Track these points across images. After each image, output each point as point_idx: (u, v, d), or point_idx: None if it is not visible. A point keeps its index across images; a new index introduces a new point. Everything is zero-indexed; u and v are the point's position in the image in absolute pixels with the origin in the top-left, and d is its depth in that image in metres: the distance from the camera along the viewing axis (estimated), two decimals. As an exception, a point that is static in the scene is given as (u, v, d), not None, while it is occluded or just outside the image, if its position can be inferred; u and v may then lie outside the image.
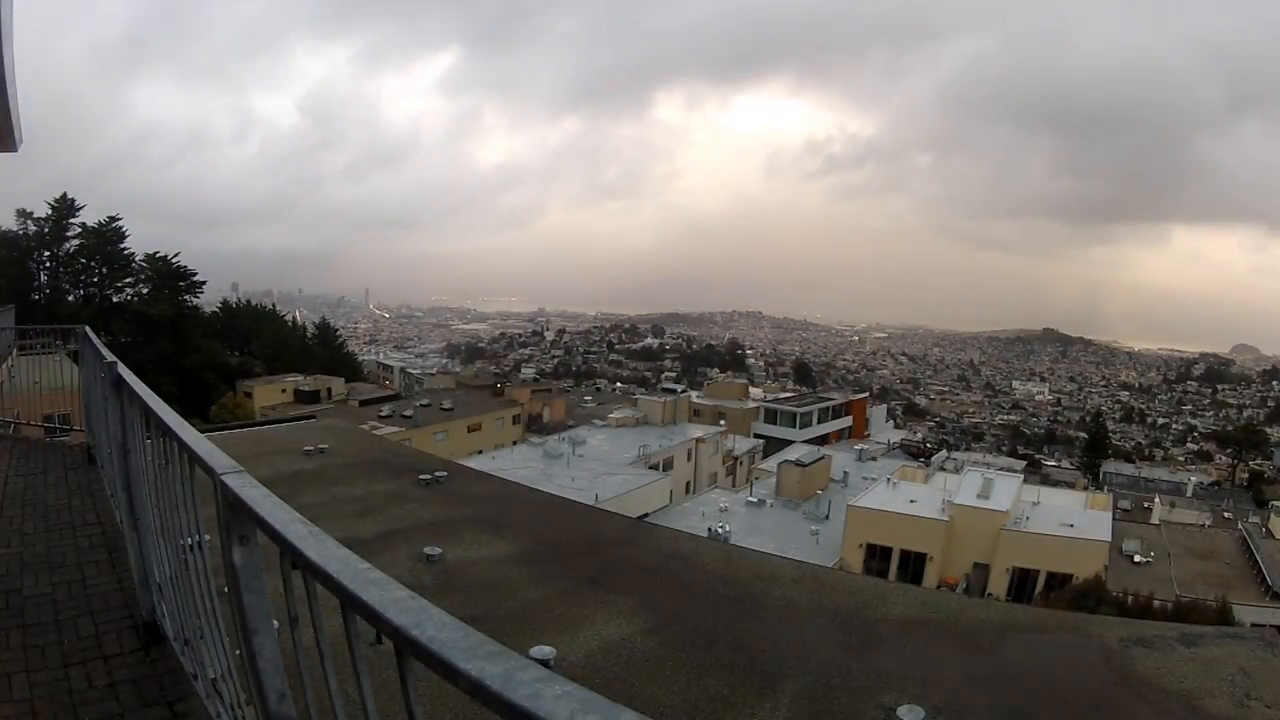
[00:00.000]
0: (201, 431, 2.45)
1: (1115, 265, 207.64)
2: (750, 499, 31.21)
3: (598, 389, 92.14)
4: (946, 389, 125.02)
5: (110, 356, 3.34)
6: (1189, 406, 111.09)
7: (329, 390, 46.13)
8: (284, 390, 45.06)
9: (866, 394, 74.40)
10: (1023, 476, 35.76)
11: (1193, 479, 63.24)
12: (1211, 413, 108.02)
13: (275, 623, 1.54)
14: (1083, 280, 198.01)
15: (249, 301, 65.92)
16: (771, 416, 51.02)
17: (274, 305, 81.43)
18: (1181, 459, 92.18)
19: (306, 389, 45.11)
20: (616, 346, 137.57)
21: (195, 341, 44.28)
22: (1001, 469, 39.07)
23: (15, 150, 8.52)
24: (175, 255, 45.93)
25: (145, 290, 44.71)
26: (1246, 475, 72.95)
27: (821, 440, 47.16)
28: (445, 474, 6.90)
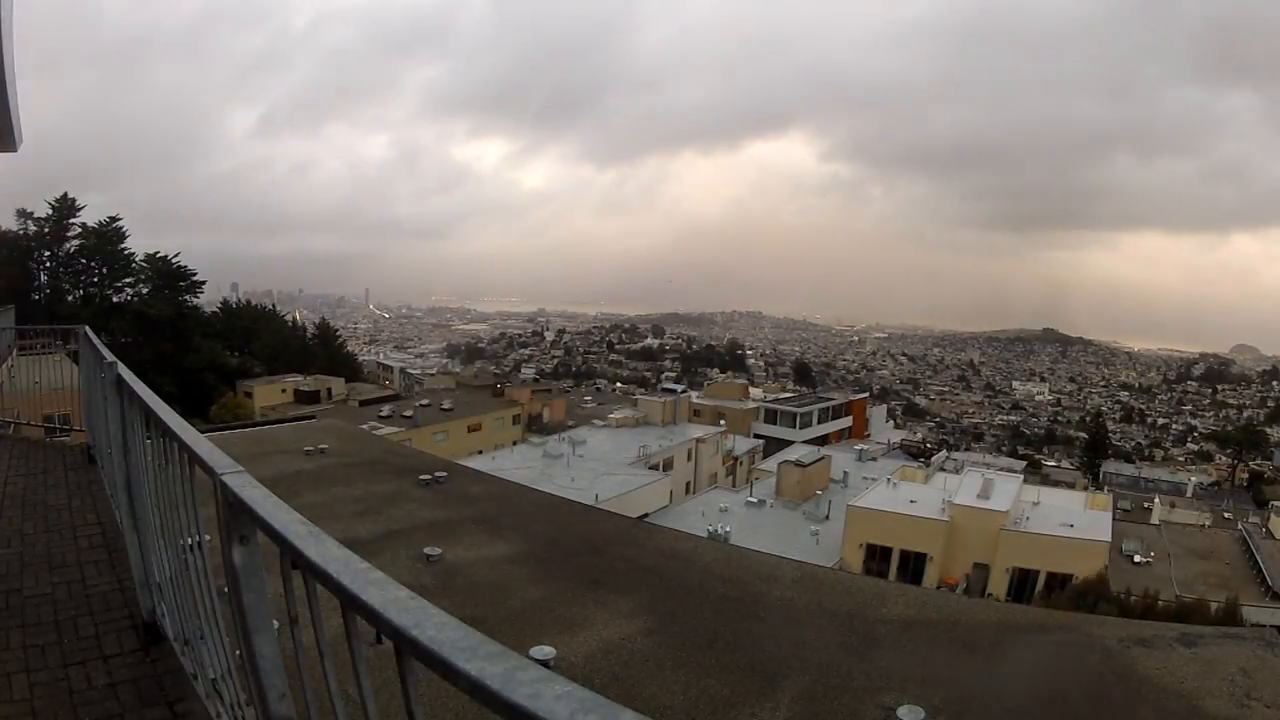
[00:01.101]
0: (201, 431, 2.45)
1: (1115, 265, 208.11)
2: (750, 499, 31.20)
3: (598, 389, 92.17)
4: (946, 389, 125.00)
5: (110, 357, 3.34)
6: (1189, 407, 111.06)
7: (329, 390, 46.12)
8: (284, 390, 45.05)
9: (866, 394, 74.42)
10: (1023, 477, 35.76)
11: (1193, 479, 63.26)
12: (1211, 413, 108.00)
13: (275, 623, 1.54)
14: (1083, 281, 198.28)
15: (249, 301, 65.92)
16: (771, 417, 51.01)
17: (274, 305, 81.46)
18: (1181, 459, 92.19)
19: (306, 389, 45.11)
20: (616, 346, 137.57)
21: (195, 341, 44.26)
22: (1001, 469, 39.08)
23: (15, 150, 8.52)
24: (176, 255, 46.00)
25: (145, 290, 44.70)
26: (1246, 475, 73.01)
27: (821, 440, 47.15)
28: (445, 474, 6.90)
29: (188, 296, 46.52)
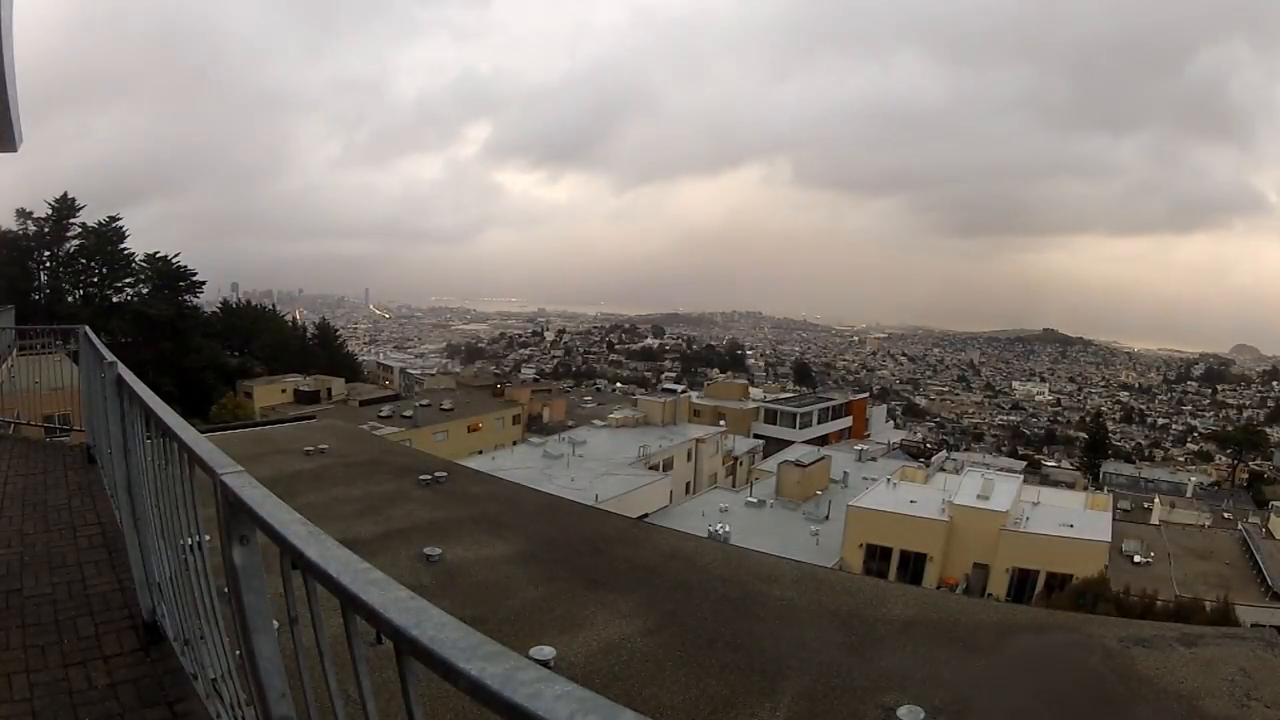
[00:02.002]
0: (202, 431, 2.45)
1: (1115, 265, 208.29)
2: (750, 499, 31.20)
3: (598, 389, 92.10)
4: (946, 389, 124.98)
5: (110, 357, 3.34)
6: (1189, 407, 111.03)
7: (329, 390, 46.11)
8: (284, 390, 45.04)
9: (866, 394, 74.42)
10: (1023, 477, 35.74)
11: (1193, 479, 63.23)
12: (1211, 413, 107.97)
13: (275, 623, 1.54)
14: (1083, 281, 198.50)
15: (249, 301, 65.92)
16: (771, 417, 51.01)
17: (274, 305, 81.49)
18: (1181, 459, 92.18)
19: (306, 389, 45.10)
20: (616, 346, 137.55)
21: (195, 341, 44.27)
22: (1001, 469, 39.06)
23: (15, 150, 8.51)
24: (176, 255, 46.01)
25: (145, 290, 44.72)
26: (1246, 475, 73.05)
27: (821, 440, 47.14)
28: (445, 474, 6.91)
29: (188, 296, 46.54)
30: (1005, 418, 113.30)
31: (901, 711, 3.15)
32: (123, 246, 44.46)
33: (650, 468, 34.28)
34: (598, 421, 43.93)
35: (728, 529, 25.10)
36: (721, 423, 46.65)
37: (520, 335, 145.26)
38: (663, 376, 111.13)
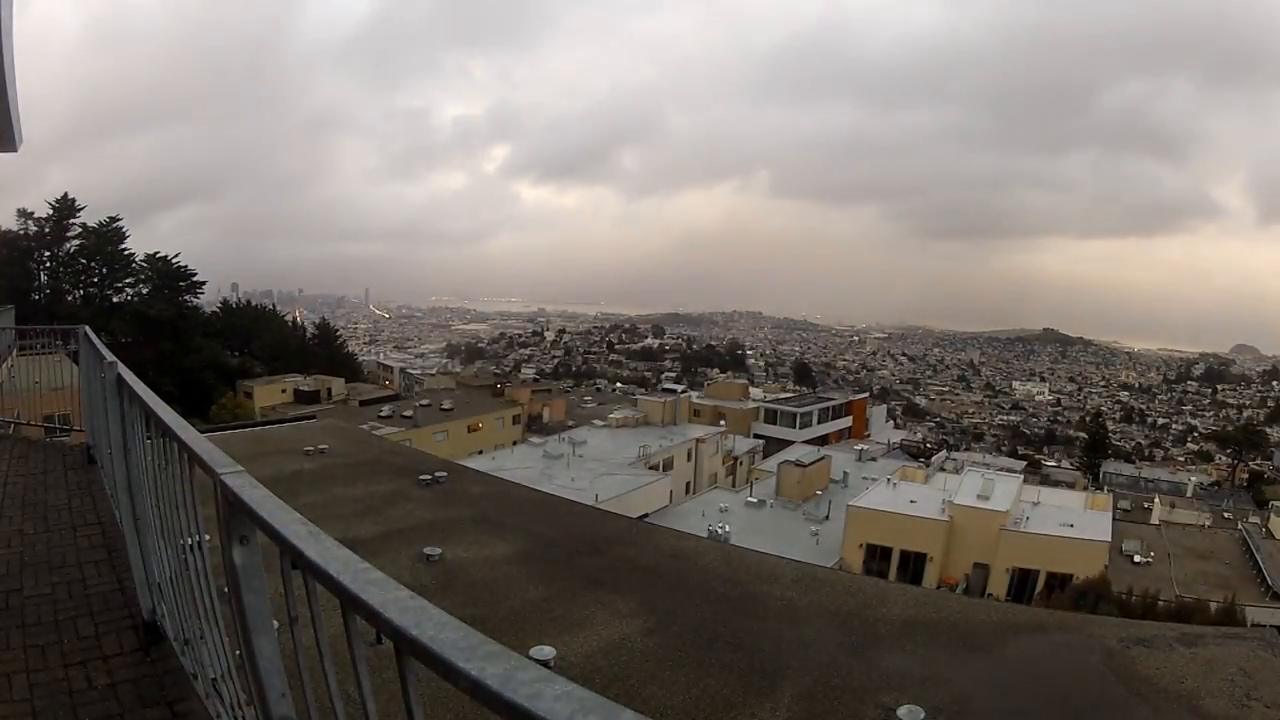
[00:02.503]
0: (202, 431, 2.45)
1: (1114, 265, 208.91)
2: (750, 499, 31.20)
3: (598, 389, 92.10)
4: (946, 389, 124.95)
5: (110, 357, 3.34)
6: (1189, 407, 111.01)
7: (329, 390, 46.10)
8: (284, 390, 45.03)
9: (866, 394, 74.43)
10: (1023, 477, 35.74)
11: (1193, 479, 63.16)
12: (1211, 413, 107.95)
13: (275, 623, 1.54)
14: (1083, 280, 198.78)
15: (249, 301, 65.93)
16: (771, 417, 51.00)
17: (274, 305, 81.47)
18: (1181, 459, 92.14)
19: (306, 389, 45.09)
20: (616, 346, 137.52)
21: (195, 341, 44.28)
22: (1001, 469, 39.05)
23: (15, 150, 8.52)
24: (176, 255, 46.01)
25: (145, 290, 44.75)
26: (1246, 475, 73.03)
27: (821, 440, 47.14)
28: (445, 474, 6.91)
29: (188, 296, 46.55)
30: (1005, 418, 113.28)
31: (901, 711, 3.15)
32: (123, 247, 44.48)
33: (650, 468, 34.28)
34: (598, 421, 43.92)
35: (728, 529, 25.10)
36: (721, 423, 46.66)
37: (520, 335, 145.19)
38: (663, 376, 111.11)
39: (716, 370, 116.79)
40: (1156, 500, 43.12)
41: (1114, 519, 29.36)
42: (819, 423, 51.26)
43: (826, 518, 28.64)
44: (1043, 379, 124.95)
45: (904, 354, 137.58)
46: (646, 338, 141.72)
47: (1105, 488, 47.79)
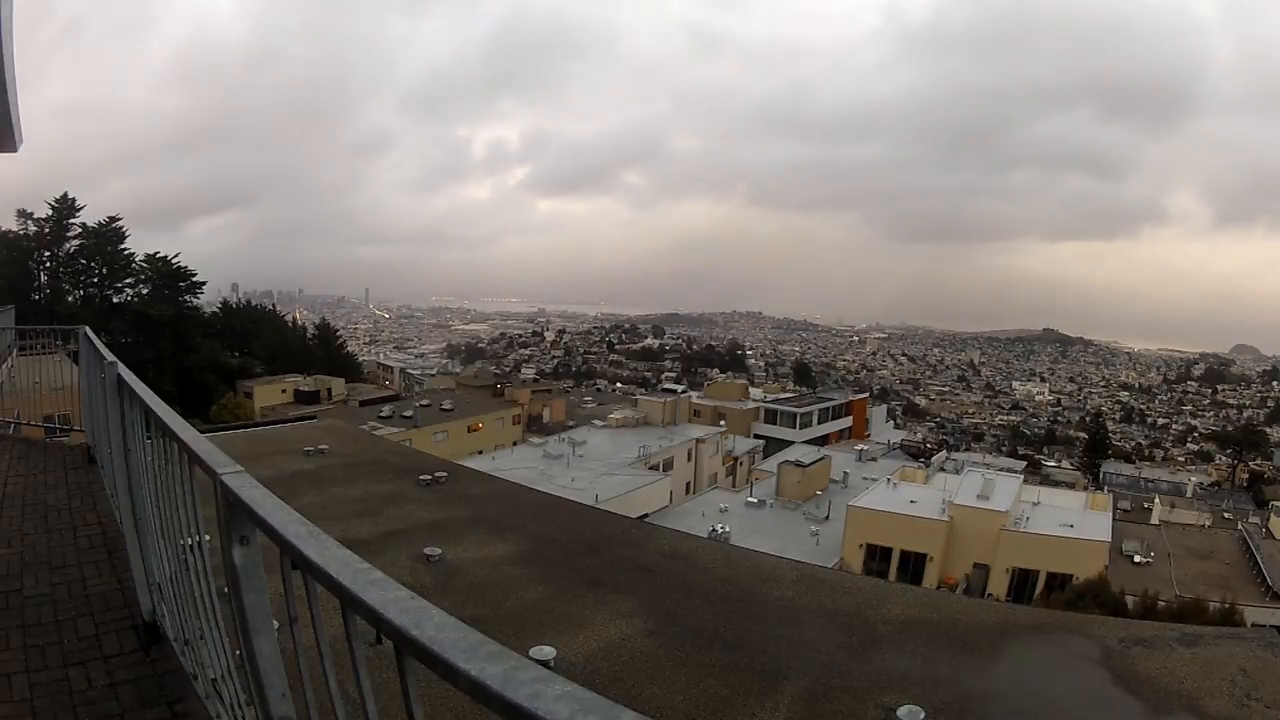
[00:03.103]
0: (202, 432, 2.45)
1: (1113, 265, 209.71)
2: (750, 499, 31.20)
3: (598, 389, 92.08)
4: (946, 389, 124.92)
5: (110, 357, 3.34)
6: (1189, 407, 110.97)
7: (329, 390, 46.07)
8: (284, 390, 45.00)
9: (866, 394, 74.35)
10: (1023, 477, 35.73)
11: (1193, 479, 63.15)
12: (1211, 413, 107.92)
13: (275, 623, 1.54)
14: (1083, 280, 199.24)
15: (249, 301, 65.95)
16: (771, 417, 50.99)
17: (274, 305, 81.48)
18: (1181, 459, 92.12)
19: (306, 389, 45.06)
20: (616, 347, 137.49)
21: (195, 342, 44.25)
22: (1001, 469, 39.04)
23: (15, 150, 8.51)
24: (175, 255, 46.00)
25: (145, 290, 44.71)
26: (1246, 475, 72.93)
27: (821, 441, 47.14)
28: (445, 474, 6.91)
29: (188, 296, 46.53)
30: (1005, 418, 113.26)
31: (901, 711, 3.15)
32: (123, 247, 44.47)
33: (650, 468, 34.28)
34: (598, 421, 43.92)
35: (728, 529, 25.10)
36: (721, 423, 46.65)
37: (520, 335, 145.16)
38: (663, 376, 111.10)
39: (716, 370, 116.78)
40: (1156, 500, 43.07)
41: (1114, 519, 29.34)
42: (819, 423, 51.25)
43: (826, 518, 28.64)
44: (1043, 379, 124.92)
45: (904, 354, 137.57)
46: (646, 338, 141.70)
47: (1105, 488, 47.80)
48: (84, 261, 43.76)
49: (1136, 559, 26.65)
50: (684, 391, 59.40)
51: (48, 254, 43.56)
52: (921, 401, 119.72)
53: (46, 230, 42.62)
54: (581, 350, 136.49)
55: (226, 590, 1.58)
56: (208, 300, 54.24)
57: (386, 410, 41.56)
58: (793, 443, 44.57)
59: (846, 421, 54.89)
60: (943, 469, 37.70)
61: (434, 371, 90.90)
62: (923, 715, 3.11)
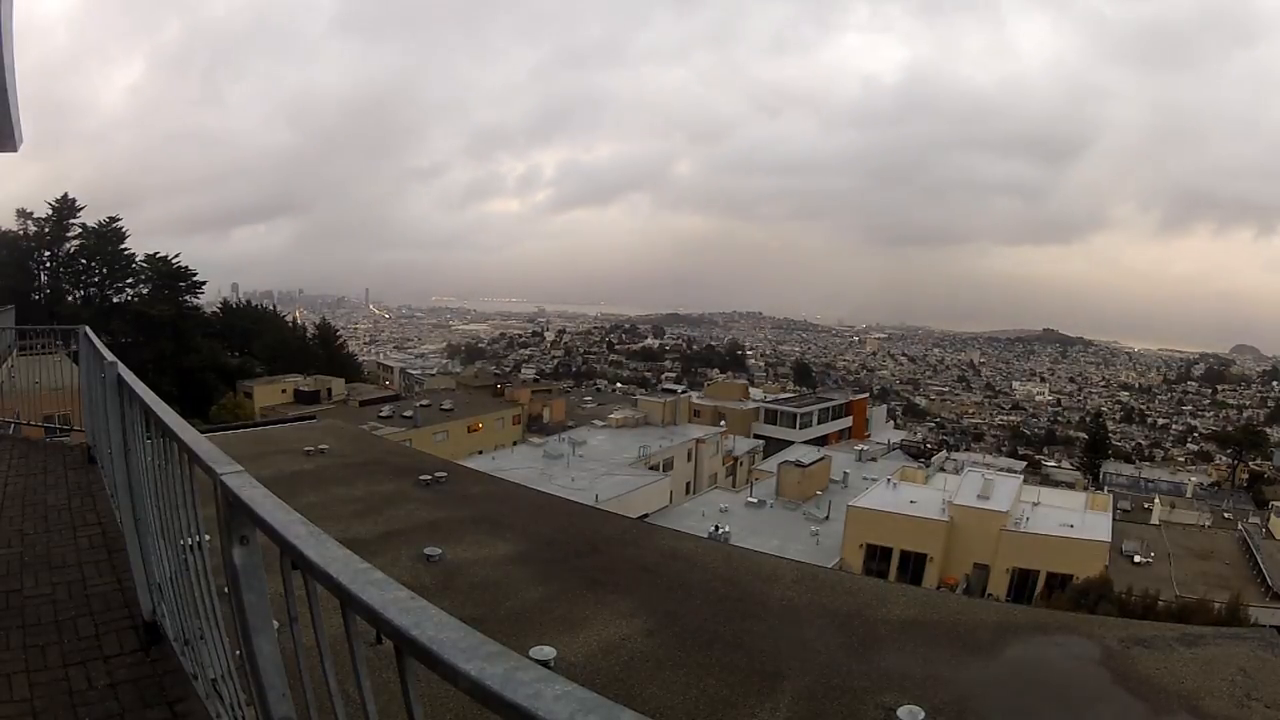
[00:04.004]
0: (202, 432, 2.45)
1: (1113, 265, 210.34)
2: (750, 499, 31.20)
3: (598, 389, 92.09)
4: (946, 389, 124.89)
5: (111, 357, 3.34)
6: (1189, 407, 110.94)
7: (329, 390, 46.05)
8: (284, 390, 44.98)
9: (866, 394, 74.33)
10: (1023, 477, 35.74)
11: (1193, 479, 63.19)
12: (1211, 413, 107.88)
13: (275, 623, 1.54)
14: (1083, 280, 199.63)
15: (249, 302, 65.96)
16: (771, 417, 50.98)
17: (274, 305, 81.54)
18: (1181, 459, 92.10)
19: (306, 389, 45.05)
20: (616, 347, 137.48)
21: (195, 342, 44.26)
22: (1001, 469, 39.05)
23: (15, 150, 8.51)
24: (176, 256, 46.02)
25: (145, 290, 44.72)
26: (1246, 476, 72.97)
27: (821, 441, 47.14)
28: (445, 474, 6.91)
29: (188, 296, 46.53)
30: (1005, 418, 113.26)
31: (901, 711, 3.15)
32: (123, 247, 44.46)
33: (650, 468, 34.29)
34: (598, 422, 43.93)
35: (728, 529, 25.11)
36: (721, 423, 46.66)
37: (520, 335, 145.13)
38: (663, 377, 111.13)
39: (716, 370, 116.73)
40: (1156, 500, 43.09)
41: (1114, 519, 29.34)
42: (819, 423, 51.25)
43: (826, 518, 28.64)
44: (1043, 379, 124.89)
45: (904, 354, 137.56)
46: (646, 338, 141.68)
47: (1105, 488, 47.79)
48: (84, 261, 43.76)
49: (1136, 559, 26.65)
50: (684, 391, 59.43)
51: (48, 254, 43.57)
52: (921, 401, 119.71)
53: (46, 230, 42.63)
54: (581, 350, 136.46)
55: (226, 590, 1.57)
56: (208, 300, 54.31)
57: (386, 410, 41.56)
58: (793, 443, 44.58)
59: (846, 421, 54.89)
60: (943, 469, 37.71)
61: (434, 371, 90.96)
62: (923, 715, 3.11)
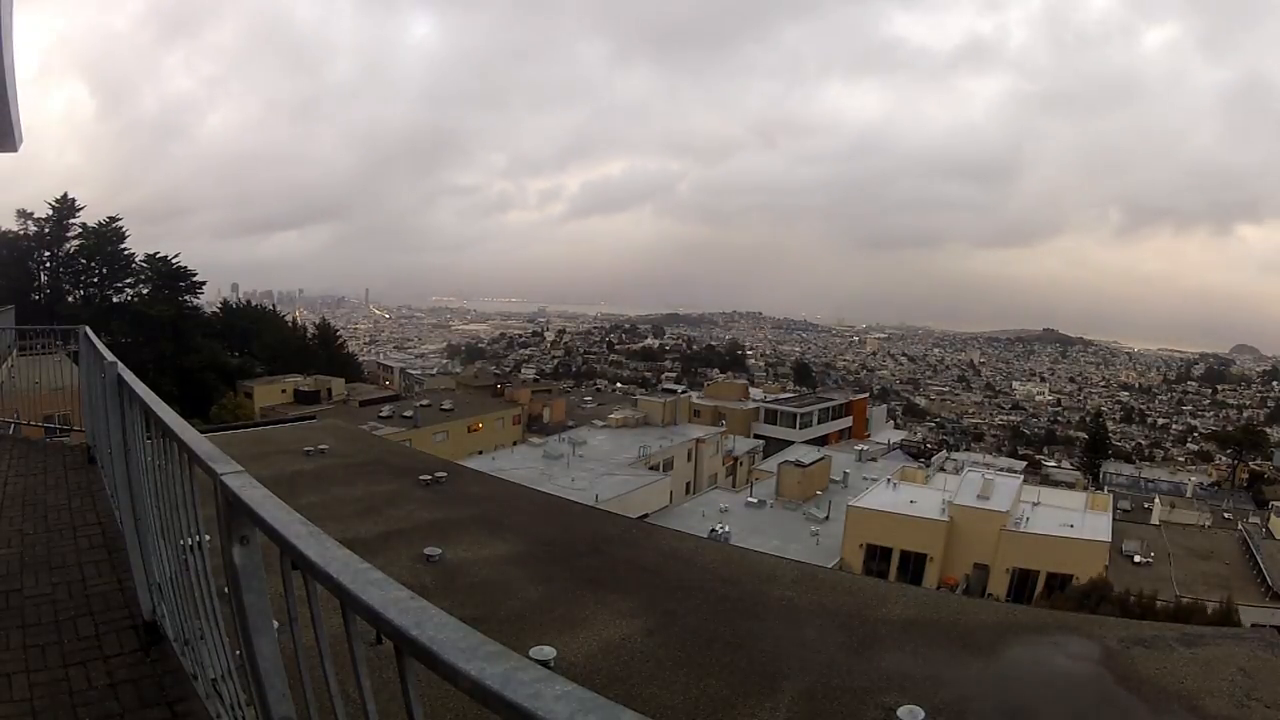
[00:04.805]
0: (202, 432, 2.45)
1: (1113, 265, 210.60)
2: (750, 499, 31.20)
3: (598, 389, 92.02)
4: (946, 389, 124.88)
5: (111, 357, 3.34)
6: (1189, 407, 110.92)
7: (329, 390, 46.06)
8: (284, 390, 44.99)
9: (866, 394, 74.30)
10: (1023, 477, 35.73)
11: (1193, 479, 63.16)
12: (1211, 413, 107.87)
13: (275, 623, 1.54)
14: (1083, 280, 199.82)
15: (249, 302, 65.95)
16: (771, 417, 50.97)
17: (274, 305, 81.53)
18: (1181, 459, 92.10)
19: (306, 389, 45.05)
20: (616, 347, 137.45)
21: (195, 342, 44.25)
22: (1002, 469, 39.04)
23: (15, 150, 8.51)
24: (175, 255, 46.01)
25: (145, 290, 44.70)
26: (1246, 476, 72.91)
27: (822, 441, 47.13)
28: (445, 474, 6.91)
29: (188, 296, 46.52)
30: (1005, 418, 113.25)
31: (901, 711, 3.15)
32: (123, 247, 44.46)
33: (650, 468, 34.29)
34: (598, 422, 43.92)
35: (728, 529, 25.11)
36: (721, 423, 46.65)
37: (520, 335, 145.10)
38: (663, 377, 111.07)
39: (716, 370, 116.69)
40: (1156, 500, 43.07)
41: (1114, 519, 29.33)
42: (819, 423, 51.23)
43: (826, 518, 28.64)
44: (1043, 379, 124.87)
45: (904, 354, 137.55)
46: (646, 338, 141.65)
47: (1105, 488, 47.78)
48: (84, 261, 43.75)
49: (1136, 559, 26.65)
50: (684, 391, 59.42)
51: (48, 254, 43.56)
52: (921, 401, 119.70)
53: (46, 230, 42.62)
54: (581, 350, 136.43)
55: (226, 590, 1.58)
56: (208, 300, 54.34)
57: (386, 410, 41.57)
58: (793, 443, 44.58)
59: (846, 421, 54.88)
60: (943, 469, 37.70)
61: (434, 371, 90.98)
62: (923, 715, 3.11)
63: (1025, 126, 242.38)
